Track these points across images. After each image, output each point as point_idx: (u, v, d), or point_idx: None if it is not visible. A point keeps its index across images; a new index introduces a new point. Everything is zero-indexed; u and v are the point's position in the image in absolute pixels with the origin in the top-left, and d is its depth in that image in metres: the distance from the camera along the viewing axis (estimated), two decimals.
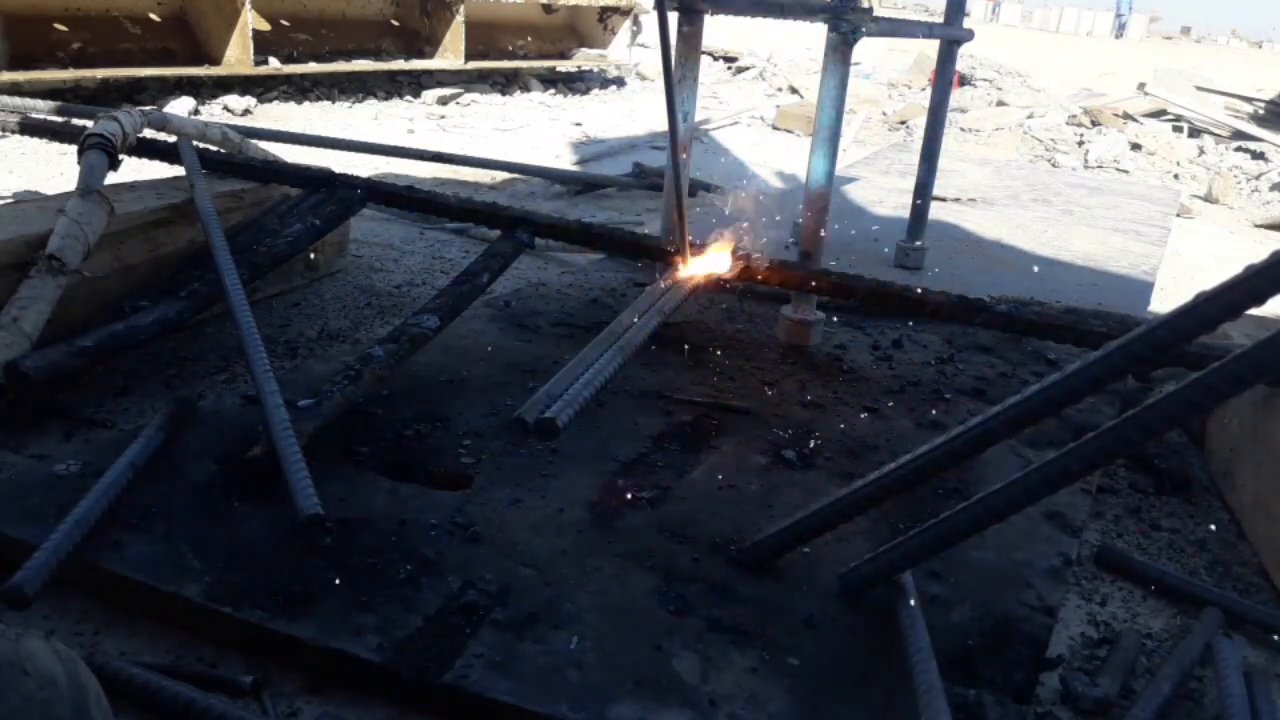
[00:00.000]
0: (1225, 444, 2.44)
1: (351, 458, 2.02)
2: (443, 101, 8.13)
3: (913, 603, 1.65)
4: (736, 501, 2.01)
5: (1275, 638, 1.83)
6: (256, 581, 1.60)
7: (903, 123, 9.09)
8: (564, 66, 10.16)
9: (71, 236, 2.33)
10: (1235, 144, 9.22)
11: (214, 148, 3.29)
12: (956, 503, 1.62)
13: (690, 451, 2.21)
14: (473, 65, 8.63)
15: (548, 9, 9.78)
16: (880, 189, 5.52)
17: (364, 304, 3.17)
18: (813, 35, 11.17)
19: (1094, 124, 9.35)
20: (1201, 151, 8.77)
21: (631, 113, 8.74)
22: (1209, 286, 1.42)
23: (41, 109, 4.69)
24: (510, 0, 9.25)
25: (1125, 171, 7.82)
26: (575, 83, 10.07)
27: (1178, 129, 9.70)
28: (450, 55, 8.48)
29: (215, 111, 6.67)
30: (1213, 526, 2.24)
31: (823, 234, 2.85)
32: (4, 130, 3.76)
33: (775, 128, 8.61)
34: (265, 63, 7.13)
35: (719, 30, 11.32)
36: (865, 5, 2.70)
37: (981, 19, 22.55)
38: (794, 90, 10.67)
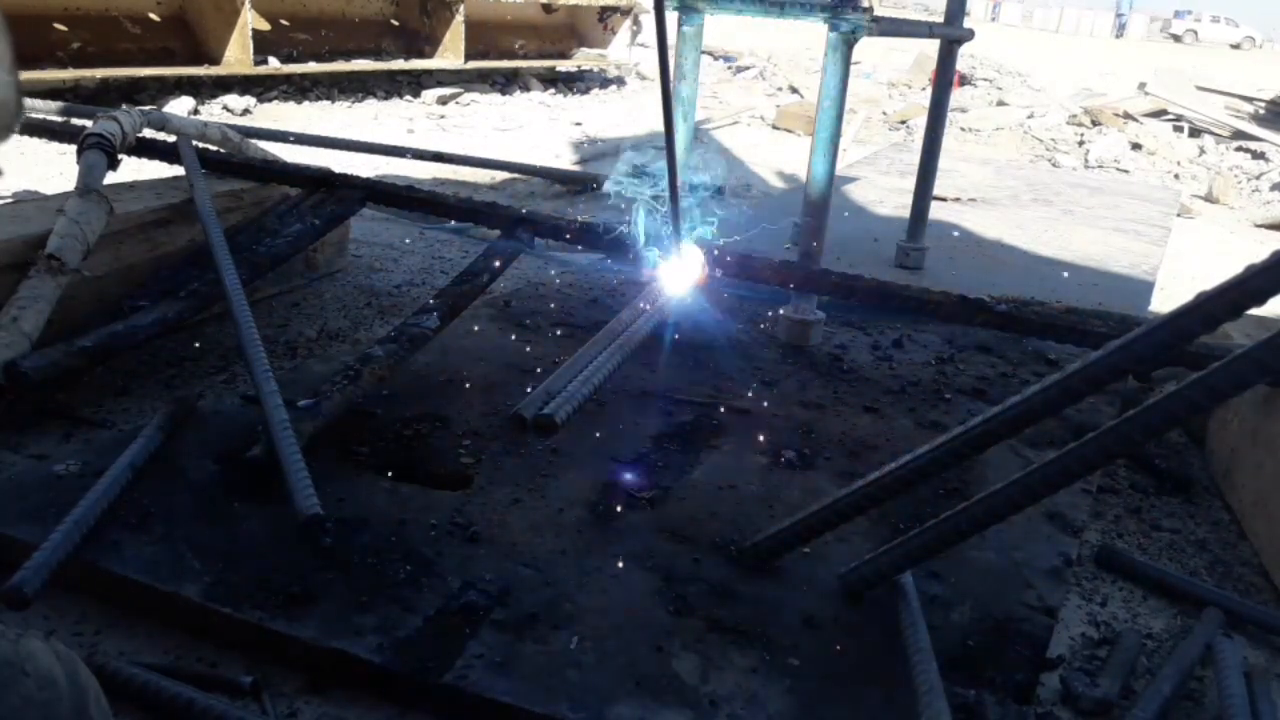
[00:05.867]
0: (1226, 444, 2.43)
1: (351, 458, 2.02)
2: (443, 101, 8.13)
3: (913, 603, 1.65)
4: (736, 501, 2.01)
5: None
6: (256, 582, 1.60)
7: (903, 122, 9.09)
8: (564, 66, 10.16)
9: (71, 236, 2.33)
10: (1236, 144, 9.22)
11: (214, 147, 3.28)
12: (956, 503, 1.62)
13: (690, 451, 2.21)
14: (473, 65, 8.63)
15: (548, 9, 9.78)
16: (880, 189, 5.52)
17: (364, 304, 3.17)
18: (813, 35, 11.17)
19: (1094, 124, 9.35)
20: (1202, 151, 8.78)
21: (631, 112, 8.74)
22: (1209, 286, 1.42)
23: (41, 109, 4.69)
24: (510, 0, 9.25)
25: (1126, 171, 7.82)
26: (575, 83, 10.07)
27: (1178, 129, 9.70)
28: (450, 55, 8.48)
29: (215, 111, 6.67)
30: (1213, 524, 2.24)
31: (823, 234, 2.85)
32: None
33: (775, 127, 8.61)
34: (265, 62, 7.13)
35: (719, 30, 11.32)
36: (865, 5, 2.70)
37: (982, 19, 22.54)
38: (794, 90, 10.67)
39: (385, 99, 8.04)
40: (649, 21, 10.12)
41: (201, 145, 3.15)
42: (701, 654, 1.54)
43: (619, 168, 2.69)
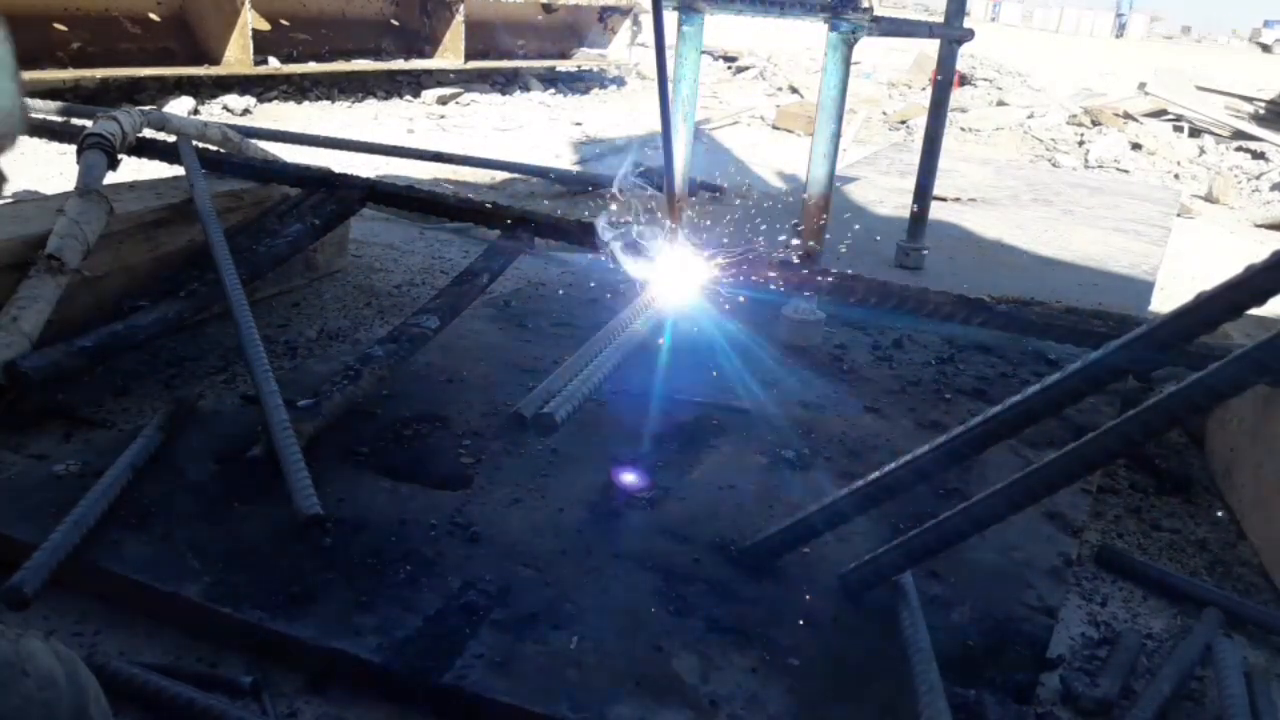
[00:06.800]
0: (1225, 444, 2.43)
1: (351, 458, 2.02)
2: (443, 101, 8.12)
3: (913, 603, 1.65)
4: (736, 501, 2.01)
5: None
6: (256, 581, 1.60)
7: (903, 122, 9.09)
8: (564, 66, 10.16)
9: (71, 236, 2.33)
10: (1236, 144, 9.21)
11: (214, 147, 3.28)
12: (956, 503, 1.62)
13: (690, 451, 2.21)
14: (473, 65, 8.63)
15: (548, 9, 9.77)
16: (880, 189, 5.52)
17: (364, 304, 3.17)
18: (813, 35, 11.16)
19: (1094, 124, 9.34)
20: (1202, 151, 8.77)
21: (631, 112, 8.74)
22: (1209, 286, 1.42)
23: (41, 109, 4.70)
24: (510, 0, 9.25)
25: (1126, 171, 7.82)
26: (575, 82, 10.07)
27: (1178, 129, 9.69)
28: (450, 55, 8.48)
29: (215, 111, 6.67)
30: (1213, 524, 2.24)
31: (823, 234, 2.85)
32: None
33: (775, 127, 8.61)
34: (265, 62, 7.13)
35: (719, 30, 11.31)
36: (865, 5, 2.70)
37: (982, 19, 22.56)
38: (794, 90, 10.66)
39: (385, 99, 8.04)
40: (649, 21, 10.12)
41: (201, 145, 3.15)
42: (701, 654, 1.54)
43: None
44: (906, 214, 4.02)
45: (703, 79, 4.33)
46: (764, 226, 3.03)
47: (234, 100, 6.85)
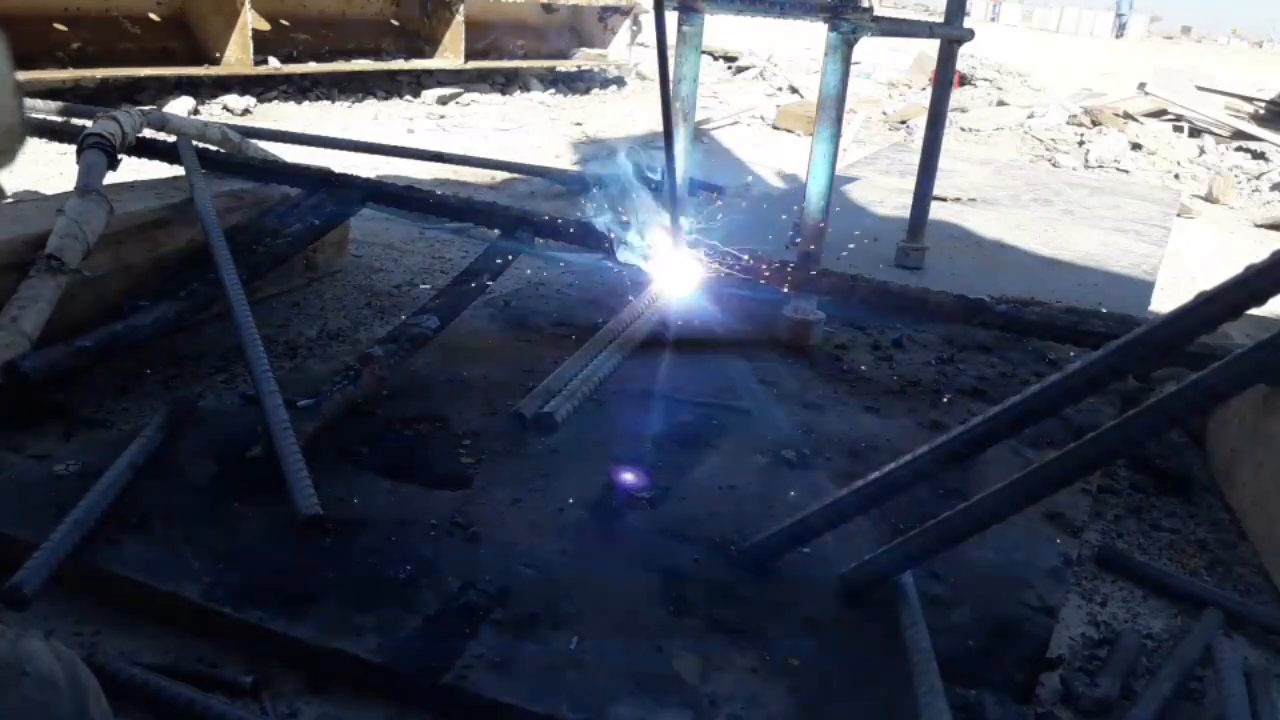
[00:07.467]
0: (1225, 444, 2.43)
1: (351, 458, 2.02)
2: (443, 101, 8.12)
3: (913, 603, 1.65)
4: (736, 501, 2.01)
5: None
6: (256, 581, 1.60)
7: (903, 122, 9.09)
8: (564, 66, 10.16)
9: (70, 236, 2.33)
10: (1236, 144, 9.21)
11: (214, 147, 3.28)
12: (956, 503, 1.62)
13: (690, 451, 2.21)
14: (473, 65, 8.62)
15: (548, 9, 9.77)
16: (880, 189, 5.52)
17: (364, 304, 3.17)
18: (813, 35, 11.15)
19: (1094, 124, 9.34)
20: (1202, 151, 8.77)
21: (631, 112, 8.74)
22: (1209, 286, 1.42)
23: (41, 108, 4.70)
24: (510, 0, 9.25)
25: (1126, 171, 7.82)
26: (575, 83, 10.07)
27: (1178, 129, 9.69)
28: (450, 55, 8.48)
29: (215, 111, 6.66)
30: (1213, 524, 2.24)
31: (823, 234, 2.85)
32: None
33: (775, 127, 8.61)
34: (265, 62, 7.12)
35: (719, 30, 11.30)
36: (865, 5, 2.70)
37: (982, 19, 22.55)
38: (794, 90, 10.66)
39: (385, 99, 8.04)
40: (649, 21, 10.11)
41: (201, 145, 3.15)
42: (701, 654, 1.54)
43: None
44: (906, 214, 4.02)
45: (703, 79, 4.33)
46: (764, 225, 3.03)
47: (234, 100, 6.85)
